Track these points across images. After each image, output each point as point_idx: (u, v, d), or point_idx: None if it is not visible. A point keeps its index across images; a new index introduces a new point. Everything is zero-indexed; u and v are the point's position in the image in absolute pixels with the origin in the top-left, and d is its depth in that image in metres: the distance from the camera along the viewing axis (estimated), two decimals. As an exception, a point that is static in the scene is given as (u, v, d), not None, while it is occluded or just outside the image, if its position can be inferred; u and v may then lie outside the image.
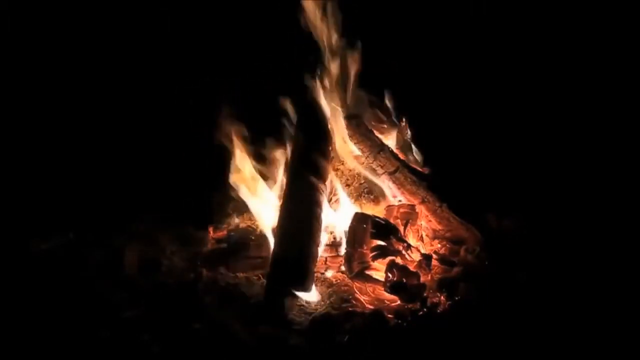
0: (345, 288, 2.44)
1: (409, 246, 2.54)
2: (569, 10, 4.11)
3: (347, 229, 2.59)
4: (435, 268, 2.56)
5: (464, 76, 4.06)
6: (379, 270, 2.48)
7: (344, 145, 3.01)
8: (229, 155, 2.86)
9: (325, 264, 2.64)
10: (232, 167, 2.85)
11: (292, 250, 2.42)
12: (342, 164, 3.02)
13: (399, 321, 2.16)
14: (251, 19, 4.11)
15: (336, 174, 2.94)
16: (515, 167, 3.28)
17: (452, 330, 2.08)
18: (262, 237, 2.74)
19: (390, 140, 3.10)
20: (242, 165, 2.88)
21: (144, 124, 3.82)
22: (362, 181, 2.96)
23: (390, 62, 3.70)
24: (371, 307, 2.29)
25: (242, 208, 2.97)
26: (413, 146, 3.15)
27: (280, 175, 2.91)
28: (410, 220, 2.72)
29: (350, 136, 2.95)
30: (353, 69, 3.00)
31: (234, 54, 4.09)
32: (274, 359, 1.97)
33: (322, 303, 2.32)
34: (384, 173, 2.82)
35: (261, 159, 2.94)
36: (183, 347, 2.01)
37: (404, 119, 3.16)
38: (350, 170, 3.00)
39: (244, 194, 2.88)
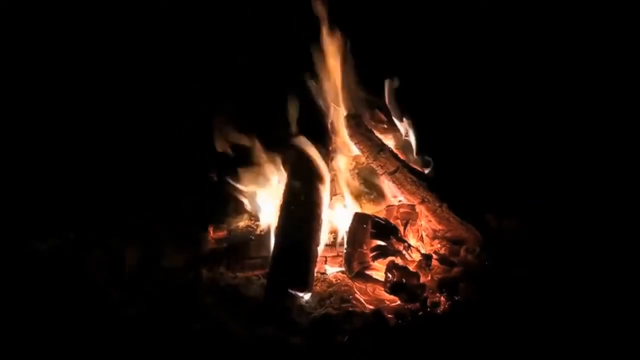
0: (345, 288, 2.44)
1: (409, 246, 2.54)
2: (569, 10, 4.11)
3: (347, 229, 2.59)
4: (435, 268, 2.55)
5: (464, 76, 4.06)
6: (379, 270, 2.48)
7: (344, 145, 3.01)
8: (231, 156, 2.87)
9: (325, 264, 2.64)
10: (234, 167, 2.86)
11: (292, 250, 2.42)
12: (343, 163, 3.02)
13: (399, 321, 2.16)
14: (250, 18, 4.11)
15: (336, 174, 2.94)
16: (515, 168, 3.27)
17: (452, 330, 2.08)
18: (262, 237, 2.74)
19: (390, 140, 3.09)
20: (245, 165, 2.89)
21: (144, 124, 3.82)
22: (362, 181, 2.96)
23: (391, 62, 3.70)
24: (371, 307, 2.29)
25: (242, 208, 2.97)
26: (417, 151, 3.14)
27: (281, 175, 2.91)
28: (410, 220, 2.71)
29: (350, 136, 2.95)
30: (352, 69, 3.00)
31: (234, 54, 4.09)
32: (274, 359, 1.97)
33: (322, 303, 2.32)
34: (384, 173, 2.82)
35: (261, 159, 2.94)
36: (183, 347, 2.01)
37: (404, 119, 3.16)
38: (351, 170, 3.01)
39: (245, 193, 2.89)
